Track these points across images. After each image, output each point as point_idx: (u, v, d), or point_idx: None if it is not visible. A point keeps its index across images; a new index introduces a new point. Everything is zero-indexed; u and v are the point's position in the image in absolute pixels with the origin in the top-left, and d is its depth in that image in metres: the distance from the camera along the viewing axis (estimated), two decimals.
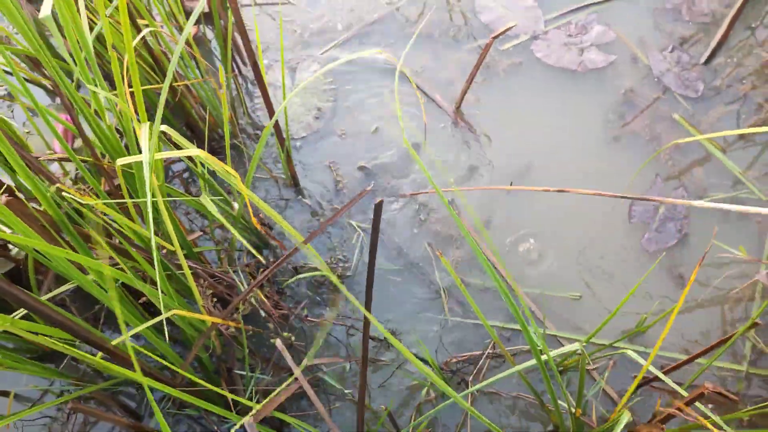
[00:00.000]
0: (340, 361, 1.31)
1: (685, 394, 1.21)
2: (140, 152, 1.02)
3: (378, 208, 0.80)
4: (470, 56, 2.13)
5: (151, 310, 1.62)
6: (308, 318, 1.47)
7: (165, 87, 1.05)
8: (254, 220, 1.21)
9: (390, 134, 2.00)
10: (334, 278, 0.82)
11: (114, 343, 1.04)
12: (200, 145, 1.94)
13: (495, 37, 1.67)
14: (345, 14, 2.24)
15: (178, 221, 1.42)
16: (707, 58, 2.09)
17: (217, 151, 1.97)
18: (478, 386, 1.13)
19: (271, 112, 1.63)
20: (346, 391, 1.52)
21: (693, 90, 2.04)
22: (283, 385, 1.11)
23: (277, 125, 1.75)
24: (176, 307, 1.05)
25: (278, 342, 0.97)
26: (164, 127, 1.01)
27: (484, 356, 1.64)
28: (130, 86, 1.51)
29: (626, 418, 1.17)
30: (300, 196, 1.91)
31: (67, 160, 1.70)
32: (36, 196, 0.95)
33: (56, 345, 1.02)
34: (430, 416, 1.36)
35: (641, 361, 1.21)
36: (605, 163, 1.93)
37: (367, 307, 0.88)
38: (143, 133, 0.86)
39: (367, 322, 0.91)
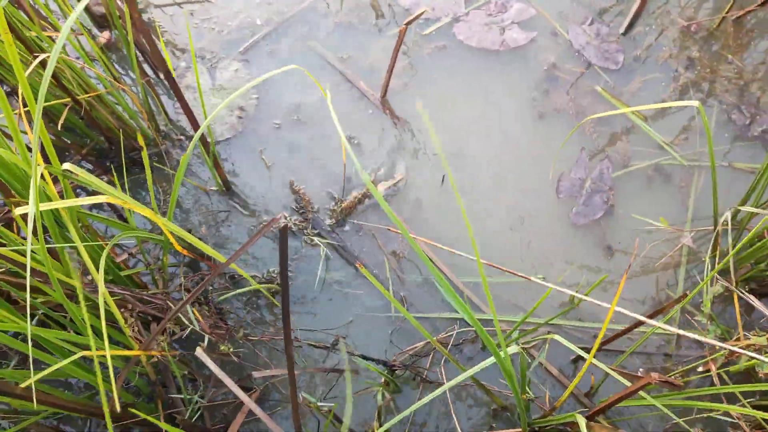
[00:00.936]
0: (282, 373, 1.30)
1: (624, 380, 1.26)
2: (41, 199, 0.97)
3: (283, 233, 0.79)
4: (393, 42, 2.10)
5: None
6: (249, 337, 1.45)
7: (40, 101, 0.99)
8: (176, 245, 1.18)
9: (319, 127, 1.97)
10: (263, 290, 0.80)
11: (23, 385, 1.01)
12: (119, 158, 1.86)
13: (408, 23, 1.65)
14: (264, 9, 2.17)
15: (105, 246, 1.37)
16: (626, 28, 2.12)
17: (138, 162, 1.90)
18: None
19: (193, 122, 1.58)
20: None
21: (613, 62, 2.08)
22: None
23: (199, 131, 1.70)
24: (90, 343, 1.02)
25: (198, 350, 0.95)
26: (68, 166, 0.96)
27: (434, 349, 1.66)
28: (25, 105, 1.44)
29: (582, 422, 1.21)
30: (234, 200, 1.87)
31: None
32: None
33: None
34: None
35: (566, 343, 1.25)
36: (533, 140, 1.96)
37: (285, 315, 0.87)
38: (32, 182, 0.81)
39: (287, 331, 0.90)
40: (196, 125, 1.65)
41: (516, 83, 2.04)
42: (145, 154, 1.28)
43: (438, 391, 1.08)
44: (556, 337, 1.26)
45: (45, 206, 0.87)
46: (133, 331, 1.15)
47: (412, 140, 1.95)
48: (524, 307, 1.73)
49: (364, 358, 1.55)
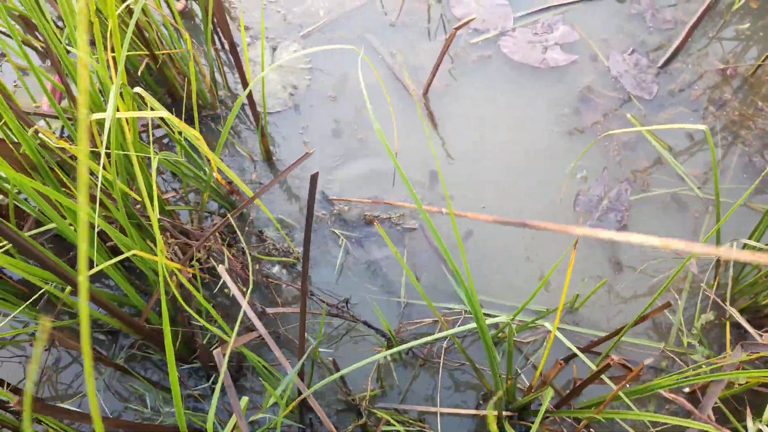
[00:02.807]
0: (295, 312, 1.44)
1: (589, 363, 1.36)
2: (117, 108, 1.14)
3: (314, 180, 0.93)
4: (441, 46, 2.25)
5: (122, 262, 1.75)
6: (269, 279, 1.60)
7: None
8: (218, 176, 1.34)
9: (359, 114, 2.13)
10: (281, 230, 0.95)
11: (82, 276, 1.17)
12: (179, 114, 2.06)
13: (457, 28, 1.80)
14: (327, 0, 2.36)
15: (155, 183, 1.55)
16: (664, 62, 2.22)
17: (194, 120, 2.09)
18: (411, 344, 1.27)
19: (244, 83, 1.75)
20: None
21: (647, 92, 2.18)
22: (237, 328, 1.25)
23: (252, 100, 1.87)
24: (136, 246, 1.18)
25: (220, 267, 1.10)
26: (139, 90, 1.14)
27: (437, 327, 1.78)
28: (113, 51, 1.64)
29: (549, 393, 1.31)
30: (273, 170, 2.04)
31: (54, 116, 1.83)
32: (18, 139, 1.08)
33: (32, 278, 1.14)
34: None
35: (564, 339, 1.35)
36: (557, 155, 2.07)
37: (306, 252, 1.01)
38: (113, 89, 0.98)
39: (306, 257, 1.04)
40: (250, 95, 1.82)
41: (550, 100, 2.17)
42: (195, 104, 1.45)
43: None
44: (546, 324, 1.37)
45: (118, 114, 1.03)
46: (168, 251, 1.31)
47: (442, 137, 2.09)
48: (529, 309, 1.83)
49: (368, 325, 1.68)
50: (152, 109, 1.39)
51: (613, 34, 2.31)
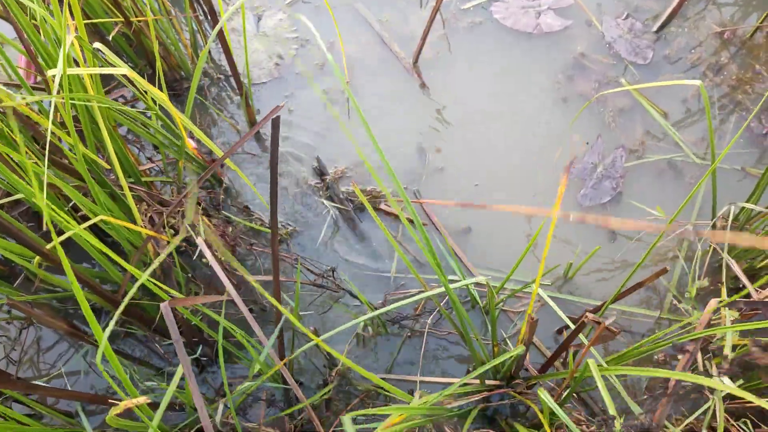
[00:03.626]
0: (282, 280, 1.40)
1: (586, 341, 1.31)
2: (77, 65, 1.09)
3: (275, 124, 0.88)
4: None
5: (102, 238, 1.70)
6: (252, 247, 1.55)
7: None
8: (189, 144, 1.29)
9: (348, 84, 2.07)
10: (261, 198, 0.90)
11: (48, 247, 1.13)
12: (159, 86, 2.00)
13: None
14: None
15: (128, 151, 1.49)
16: (659, 26, 2.16)
17: (178, 94, 2.03)
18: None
19: (230, 61, 1.69)
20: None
21: (642, 57, 2.12)
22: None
23: (235, 71, 1.81)
24: (107, 214, 1.13)
25: (199, 240, 1.05)
26: (99, 45, 1.08)
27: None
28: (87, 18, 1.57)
29: (520, 350, 1.27)
30: (258, 141, 1.99)
31: (40, 88, 1.76)
32: None
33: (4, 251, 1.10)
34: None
35: (554, 305, 1.31)
36: (551, 122, 2.01)
37: (273, 205, 0.96)
38: (66, 41, 0.93)
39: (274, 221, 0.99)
40: (232, 63, 1.76)
41: (544, 66, 2.10)
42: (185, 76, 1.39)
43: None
44: (542, 293, 1.32)
45: (71, 71, 0.98)
46: (143, 219, 1.26)
47: (434, 107, 2.04)
48: (520, 279, 1.79)
49: (352, 295, 1.64)
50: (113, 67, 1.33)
51: None
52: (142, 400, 0.84)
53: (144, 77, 2.04)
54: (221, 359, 1.23)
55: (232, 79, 2.10)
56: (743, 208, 1.71)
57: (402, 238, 1.84)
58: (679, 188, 1.92)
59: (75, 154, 1.13)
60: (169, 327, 0.91)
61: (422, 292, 1.76)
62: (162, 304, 0.92)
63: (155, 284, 1.13)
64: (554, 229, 1.85)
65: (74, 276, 0.87)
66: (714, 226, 1.74)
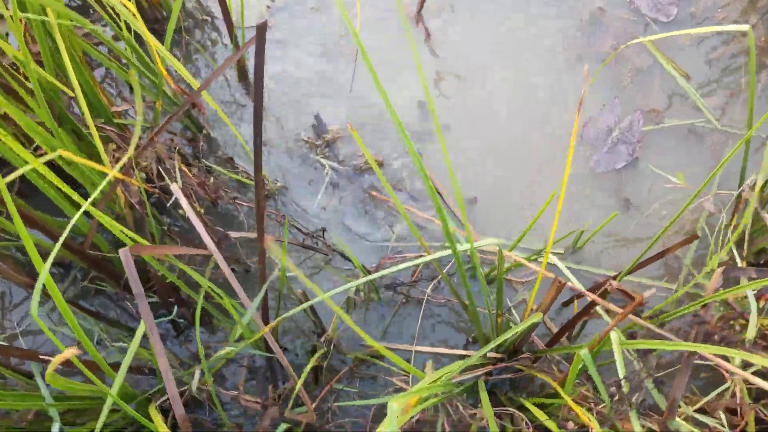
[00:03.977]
0: (251, 236, 1.26)
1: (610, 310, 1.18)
2: None
3: (261, 31, 0.73)
4: None
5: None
6: (236, 200, 1.41)
7: None
8: (170, 80, 1.13)
9: (344, 28, 1.90)
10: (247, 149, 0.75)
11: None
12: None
13: None
14: None
15: (98, 88, 1.33)
16: None
17: (159, 33, 1.86)
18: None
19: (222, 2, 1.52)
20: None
21: (665, 14, 1.96)
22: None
23: (226, 10, 1.64)
24: (68, 147, 0.98)
25: (173, 186, 0.91)
26: None
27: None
28: None
29: (537, 318, 1.15)
30: (248, 91, 1.83)
31: None
32: None
33: None
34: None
35: (566, 271, 1.18)
36: (566, 79, 1.86)
37: (258, 140, 0.82)
38: None
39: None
40: (224, 5, 1.60)
41: (559, 22, 1.94)
42: None
43: None
44: (554, 259, 1.19)
45: None
46: (113, 161, 1.11)
47: (436, 62, 1.88)
48: (529, 248, 1.66)
49: (344, 257, 1.50)
50: None
51: None
52: (72, 352, 0.71)
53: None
54: (197, 321, 1.09)
55: (217, 22, 1.93)
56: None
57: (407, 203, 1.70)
58: (700, 155, 1.78)
59: (29, 79, 0.98)
60: (129, 276, 0.77)
61: (421, 257, 1.63)
62: (121, 250, 0.78)
63: (123, 232, 0.98)
64: (564, 198, 1.72)
65: (15, 210, 0.72)
66: (739, 197, 1.60)
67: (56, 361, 0.72)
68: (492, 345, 1.01)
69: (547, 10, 1.96)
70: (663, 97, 1.85)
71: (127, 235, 0.95)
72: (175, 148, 1.20)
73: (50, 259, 0.74)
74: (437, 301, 1.55)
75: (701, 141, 1.80)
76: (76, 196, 0.98)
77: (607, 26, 1.94)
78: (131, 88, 1.68)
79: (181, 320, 1.54)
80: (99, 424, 0.95)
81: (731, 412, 1.31)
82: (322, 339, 1.36)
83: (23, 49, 0.86)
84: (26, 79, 1.16)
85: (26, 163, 0.94)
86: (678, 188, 1.71)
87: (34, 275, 1.46)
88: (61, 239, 0.79)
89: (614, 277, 1.41)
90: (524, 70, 1.87)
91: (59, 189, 0.96)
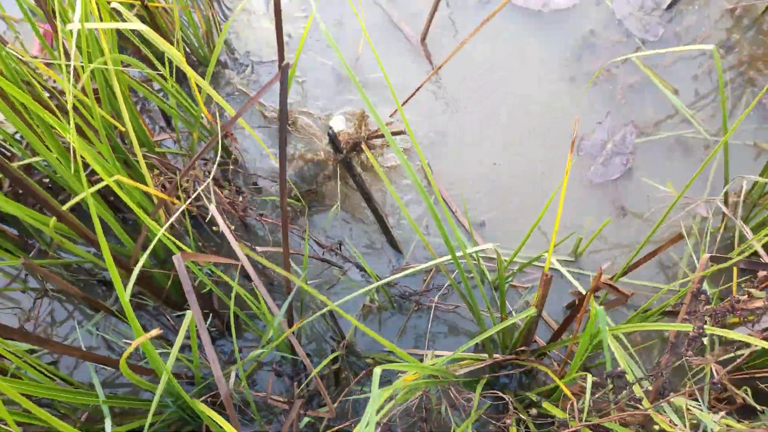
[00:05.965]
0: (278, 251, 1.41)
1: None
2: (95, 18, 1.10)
3: (284, 72, 0.89)
4: None
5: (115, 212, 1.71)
6: (264, 218, 1.56)
7: None
8: (205, 110, 1.30)
9: (357, 60, 2.07)
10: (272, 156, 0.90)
11: (64, 207, 1.14)
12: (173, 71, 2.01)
13: None
14: None
15: (142, 120, 1.51)
16: (670, 3, 2.14)
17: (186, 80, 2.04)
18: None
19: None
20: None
21: (652, 34, 2.10)
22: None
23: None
24: (121, 174, 1.14)
25: (212, 207, 1.06)
26: (115, 4, 1.09)
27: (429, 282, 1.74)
28: None
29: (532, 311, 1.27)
30: (263, 110, 2.00)
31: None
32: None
33: (24, 216, 1.11)
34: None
35: (566, 273, 1.31)
36: (560, 99, 2.01)
37: (282, 154, 0.97)
38: None
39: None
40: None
41: (552, 44, 2.10)
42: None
43: None
44: (555, 262, 1.32)
45: (89, 26, 0.99)
46: (155, 183, 1.27)
47: (440, 84, 2.04)
48: (528, 254, 1.79)
49: (359, 267, 1.64)
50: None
51: None
52: (154, 333, 0.85)
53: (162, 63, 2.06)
54: (232, 326, 1.23)
55: (241, 60, 2.11)
56: (756, 182, 1.69)
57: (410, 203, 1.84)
58: (690, 165, 1.90)
59: (93, 117, 1.15)
60: (181, 277, 0.92)
61: (430, 270, 1.77)
62: (174, 256, 0.93)
63: (170, 239, 1.14)
64: (564, 207, 1.85)
65: (99, 223, 0.88)
66: (726, 201, 1.72)
67: (139, 340, 0.87)
68: (488, 333, 1.13)
69: (543, 35, 2.11)
70: (654, 110, 1.99)
71: (174, 242, 1.10)
72: (210, 173, 1.37)
73: (131, 284, 0.90)
74: (447, 308, 1.67)
75: (691, 151, 1.93)
76: (141, 215, 1.14)
77: (599, 47, 2.09)
78: (164, 118, 1.85)
79: (213, 329, 1.68)
80: (149, 418, 1.09)
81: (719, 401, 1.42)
82: (342, 344, 1.50)
83: (91, 98, 1.03)
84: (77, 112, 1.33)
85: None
86: (670, 195, 1.84)
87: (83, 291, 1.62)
88: (136, 271, 0.95)
89: (611, 279, 1.53)
90: (523, 91, 2.02)
91: (112, 210, 1.13)
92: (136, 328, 1.01)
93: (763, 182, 1.63)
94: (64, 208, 1.15)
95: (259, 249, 1.36)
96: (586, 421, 0.96)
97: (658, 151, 1.93)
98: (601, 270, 1.10)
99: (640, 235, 1.81)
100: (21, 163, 1.29)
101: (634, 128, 1.96)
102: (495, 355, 1.44)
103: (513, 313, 1.70)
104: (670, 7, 2.14)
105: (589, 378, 1.01)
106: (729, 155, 1.62)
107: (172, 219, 0.92)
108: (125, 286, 1.55)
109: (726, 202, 1.72)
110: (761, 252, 1.22)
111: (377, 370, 0.85)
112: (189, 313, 0.99)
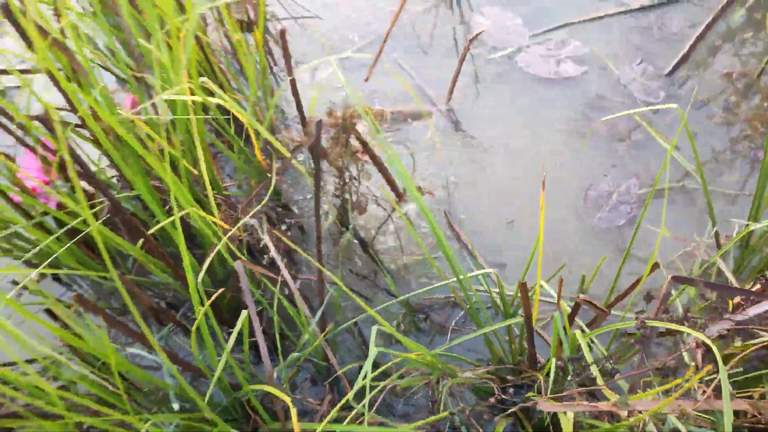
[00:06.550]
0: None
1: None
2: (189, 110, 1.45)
3: (318, 127, 1.19)
4: (465, 64, 2.52)
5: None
6: (306, 251, 1.85)
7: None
8: (259, 155, 1.63)
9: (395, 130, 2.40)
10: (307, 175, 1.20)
11: (150, 231, 1.46)
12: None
13: (471, 40, 2.06)
14: (361, 27, 2.69)
15: (214, 167, 1.85)
16: (670, 70, 2.40)
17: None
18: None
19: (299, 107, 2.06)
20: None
21: (654, 96, 2.35)
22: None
23: (302, 116, 2.18)
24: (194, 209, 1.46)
25: (266, 236, 1.36)
26: (205, 78, 1.45)
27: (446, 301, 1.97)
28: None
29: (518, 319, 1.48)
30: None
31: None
32: (103, 117, 1.39)
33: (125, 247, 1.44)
34: None
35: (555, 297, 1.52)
36: (569, 154, 2.26)
37: (317, 201, 1.26)
38: (180, 69, 1.28)
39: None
40: (301, 109, 2.13)
41: (563, 106, 2.37)
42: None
43: None
44: (545, 285, 1.54)
45: (185, 97, 1.33)
46: (221, 215, 1.59)
47: (464, 140, 2.33)
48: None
49: (389, 292, 1.89)
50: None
51: (622, 47, 2.52)
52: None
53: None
54: (276, 334, 1.50)
55: (289, 122, 2.48)
56: (747, 226, 1.87)
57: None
58: (690, 213, 2.10)
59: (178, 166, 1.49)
60: (240, 277, 1.20)
61: (448, 297, 2.00)
62: (237, 262, 1.22)
63: (227, 253, 1.43)
64: (569, 242, 2.06)
65: (184, 245, 1.18)
66: (718, 244, 1.90)
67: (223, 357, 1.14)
68: (484, 331, 1.35)
69: (554, 98, 2.39)
70: (656, 164, 2.21)
71: (234, 254, 1.40)
72: (264, 213, 1.68)
73: (205, 306, 1.19)
74: (463, 331, 1.89)
75: (692, 201, 2.12)
76: (204, 228, 1.44)
77: (604, 109, 2.35)
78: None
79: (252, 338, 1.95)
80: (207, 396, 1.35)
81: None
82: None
83: (178, 151, 1.36)
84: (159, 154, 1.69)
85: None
86: (667, 239, 2.03)
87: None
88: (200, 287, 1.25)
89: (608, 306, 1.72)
90: (536, 148, 2.28)
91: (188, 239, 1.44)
92: (208, 342, 1.30)
93: (757, 226, 1.81)
94: (150, 232, 1.47)
95: (302, 278, 1.64)
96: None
97: (661, 200, 2.14)
98: (581, 297, 1.32)
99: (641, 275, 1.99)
100: (123, 195, 1.64)
101: (637, 180, 2.18)
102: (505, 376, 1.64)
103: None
104: (671, 73, 2.40)
105: (553, 360, 1.21)
106: (728, 206, 1.82)
107: (231, 232, 1.22)
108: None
109: (718, 245, 1.90)
110: (723, 268, 1.41)
111: (375, 327, 1.09)
112: (245, 312, 1.26)
